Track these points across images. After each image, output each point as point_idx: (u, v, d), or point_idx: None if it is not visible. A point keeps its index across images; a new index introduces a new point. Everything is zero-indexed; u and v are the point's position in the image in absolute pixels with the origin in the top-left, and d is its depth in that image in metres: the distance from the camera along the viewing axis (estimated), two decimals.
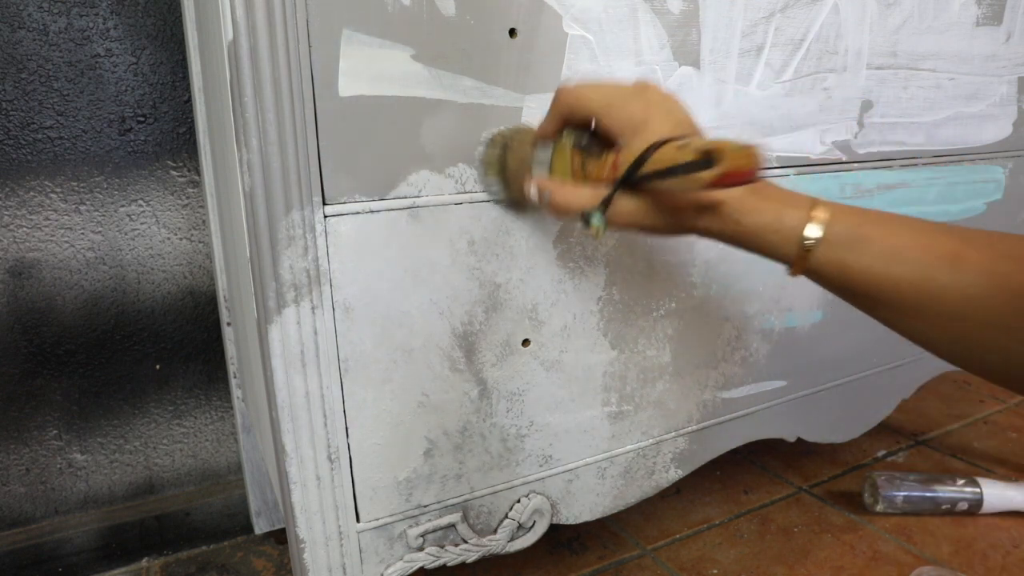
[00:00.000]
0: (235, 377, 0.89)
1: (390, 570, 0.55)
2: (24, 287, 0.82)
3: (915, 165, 0.77)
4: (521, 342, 0.57)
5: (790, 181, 0.68)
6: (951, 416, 1.20)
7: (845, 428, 0.83)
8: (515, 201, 0.52)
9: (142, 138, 0.84)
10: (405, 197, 0.49)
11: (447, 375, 0.54)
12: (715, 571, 0.82)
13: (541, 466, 0.61)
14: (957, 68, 0.77)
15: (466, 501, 0.58)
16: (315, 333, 0.48)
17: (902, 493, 0.89)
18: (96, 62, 0.80)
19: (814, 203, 0.42)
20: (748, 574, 0.81)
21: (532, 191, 0.47)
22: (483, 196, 0.52)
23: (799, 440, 0.79)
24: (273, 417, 0.49)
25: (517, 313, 0.56)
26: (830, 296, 0.75)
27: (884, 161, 0.74)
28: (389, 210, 0.49)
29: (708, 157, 0.39)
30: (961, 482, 0.90)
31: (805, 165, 0.68)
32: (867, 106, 0.71)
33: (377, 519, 0.54)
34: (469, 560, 0.59)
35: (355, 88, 0.46)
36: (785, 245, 0.42)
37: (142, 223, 0.86)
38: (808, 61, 0.65)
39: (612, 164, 0.44)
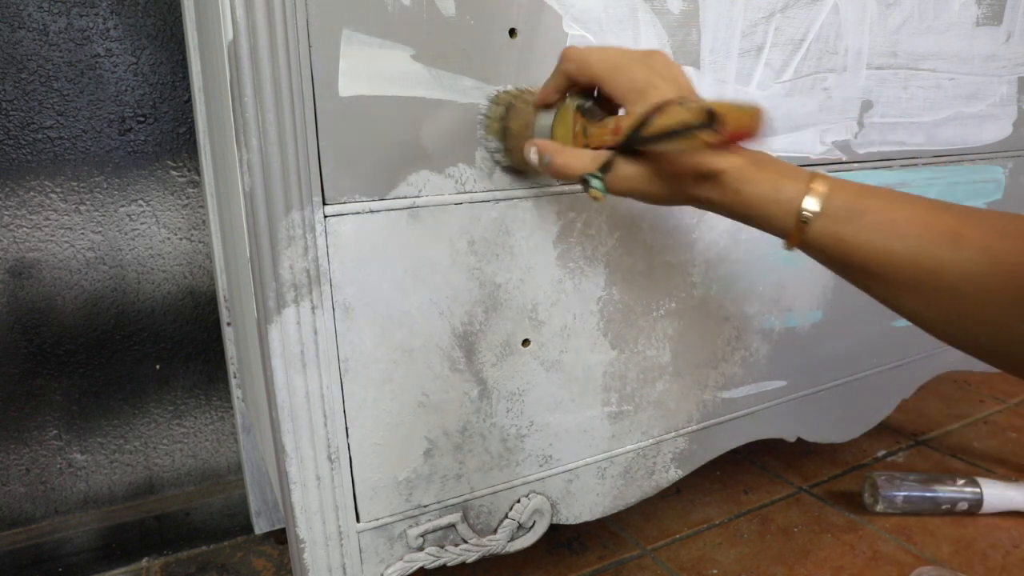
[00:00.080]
0: (235, 377, 0.89)
1: (390, 570, 0.55)
2: (24, 287, 0.82)
3: (915, 165, 0.77)
4: (521, 342, 0.57)
5: None
6: (951, 416, 1.20)
7: (845, 428, 0.83)
8: (515, 163, 0.52)
9: (142, 138, 0.84)
10: (405, 197, 0.49)
11: (447, 375, 0.54)
12: (715, 571, 0.82)
13: (541, 466, 0.61)
14: (957, 68, 0.77)
15: (466, 501, 0.58)
16: (315, 333, 0.48)
17: (902, 493, 0.90)
18: (96, 62, 0.80)
19: (813, 176, 0.42)
20: (748, 574, 0.81)
21: (532, 154, 0.47)
22: (483, 196, 0.52)
23: (799, 440, 0.79)
24: (273, 417, 0.49)
25: (517, 313, 0.56)
26: (830, 296, 0.75)
27: (884, 161, 0.74)
28: (389, 210, 0.49)
29: (710, 117, 0.38)
30: (961, 482, 0.90)
31: (805, 165, 0.68)
32: (867, 106, 0.71)
33: (377, 519, 0.54)
34: (469, 560, 0.59)
35: (355, 88, 0.46)
36: (782, 217, 0.42)
37: (142, 223, 0.86)
38: (808, 61, 0.65)
39: (614, 128, 0.44)
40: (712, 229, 0.64)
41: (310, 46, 0.44)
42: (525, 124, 0.49)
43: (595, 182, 0.44)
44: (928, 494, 0.89)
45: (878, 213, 0.40)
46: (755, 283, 0.69)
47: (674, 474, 0.69)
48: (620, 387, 0.63)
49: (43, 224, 0.81)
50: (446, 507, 0.57)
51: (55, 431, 0.86)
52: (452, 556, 0.58)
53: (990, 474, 0.99)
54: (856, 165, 0.72)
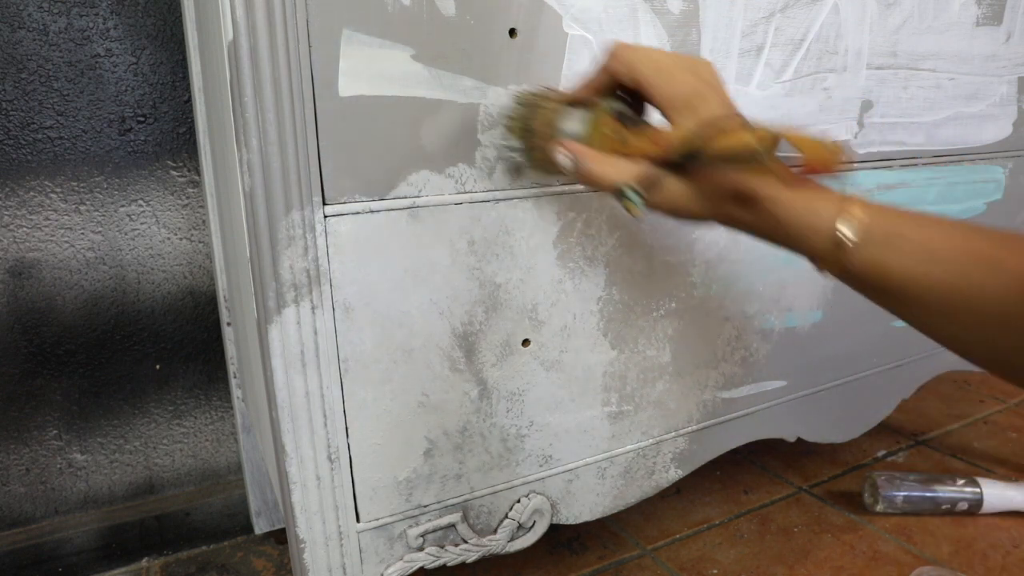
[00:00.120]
0: (235, 377, 0.89)
1: (390, 570, 0.55)
2: (24, 287, 0.82)
3: (915, 165, 0.77)
4: (521, 342, 0.57)
5: None
6: (951, 416, 1.20)
7: (845, 428, 0.83)
8: (535, 163, 0.49)
9: (142, 138, 0.84)
10: (405, 197, 0.49)
11: (447, 375, 0.54)
12: (715, 571, 0.82)
13: (541, 466, 0.61)
14: (957, 68, 0.77)
15: (466, 501, 0.58)
16: (315, 333, 0.48)
17: (902, 493, 0.90)
18: (96, 62, 0.80)
19: (847, 198, 0.41)
20: (748, 574, 0.81)
21: (561, 156, 0.44)
22: (483, 196, 0.52)
23: (799, 440, 0.79)
24: (273, 417, 0.49)
25: (517, 313, 0.56)
26: (830, 296, 0.75)
27: (884, 161, 0.74)
28: (389, 210, 0.49)
29: (775, 144, 0.38)
30: (961, 482, 0.90)
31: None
32: (867, 106, 0.71)
33: (377, 519, 0.54)
34: (469, 560, 0.59)
35: (355, 88, 0.46)
36: (816, 240, 0.41)
37: (142, 223, 0.86)
38: (808, 61, 0.65)
39: (657, 140, 0.42)
40: (712, 229, 0.64)
41: (310, 46, 0.44)
42: (550, 123, 0.46)
43: (635, 197, 0.42)
44: (928, 494, 0.89)
45: (914, 237, 0.39)
46: (755, 283, 0.69)
47: (674, 474, 0.69)
48: (620, 387, 0.63)
49: (43, 224, 0.81)
50: (446, 507, 0.57)
51: (55, 431, 0.86)
52: (452, 556, 0.58)
53: (990, 474, 0.99)
54: (856, 165, 0.72)
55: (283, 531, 0.94)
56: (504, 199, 0.53)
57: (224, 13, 0.42)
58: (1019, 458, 1.05)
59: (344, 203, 0.47)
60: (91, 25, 0.79)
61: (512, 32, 0.50)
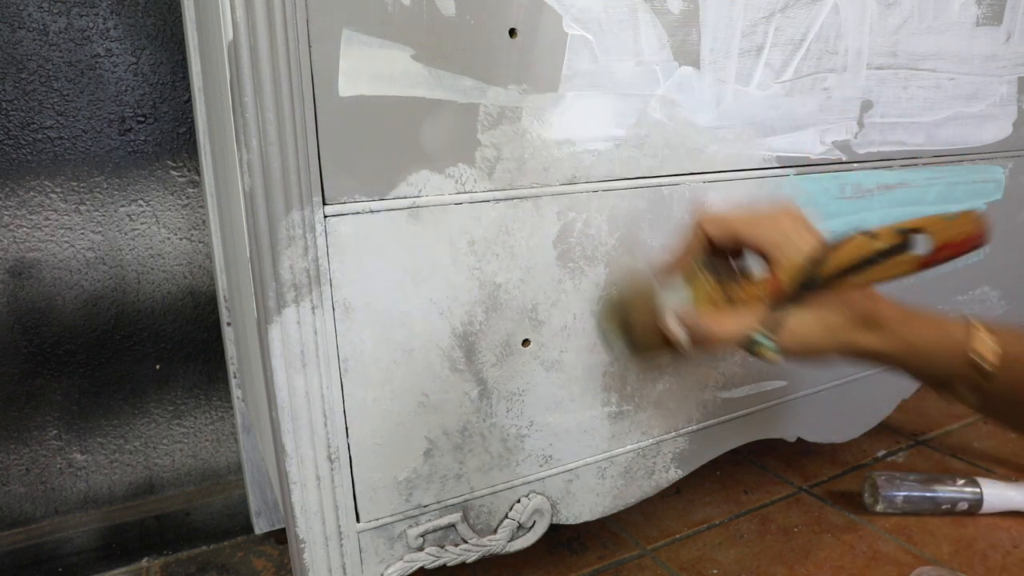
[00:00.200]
0: (235, 377, 0.89)
1: (390, 570, 0.55)
2: (24, 287, 0.82)
3: (915, 165, 0.77)
4: (521, 342, 0.57)
5: (790, 181, 0.68)
6: (951, 416, 1.20)
7: (845, 428, 0.83)
8: (643, 350, 0.47)
9: (142, 138, 0.84)
10: (405, 197, 0.49)
11: (447, 375, 0.54)
12: (715, 571, 0.82)
13: (541, 466, 0.61)
14: (957, 68, 0.77)
15: (466, 501, 0.58)
16: (315, 333, 0.48)
17: (902, 493, 0.89)
18: (96, 62, 0.80)
19: (969, 319, 0.42)
20: (748, 574, 0.81)
21: (677, 327, 0.43)
22: (483, 196, 0.52)
23: (799, 440, 0.79)
24: (273, 417, 0.49)
25: (517, 313, 0.56)
26: None
27: (884, 161, 0.74)
28: (389, 210, 0.49)
29: (910, 236, 0.38)
30: (961, 482, 0.90)
31: (805, 165, 0.68)
32: (867, 106, 0.71)
33: (377, 519, 0.54)
34: (469, 560, 0.59)
35: (355, 88, 0.46)
36: (953, 363, 0.41)
37: (142, 223, 0.86)
38: (808, 61, 0.65)
39: (764, 281, 0.41)
40: None
41: (310, 46, 0.44)
42: (648, 303, 0.44)
43: (766, 340, 0.41)
44: (928, 494, 0.89)
45: None
46: None
47: (674, 474, 0.69)
48: (620, 387, 0.63)
49: (43, 224, 0.81)
50: (446, 507, 0.57)
51: (55, 431, 0.86)
52: (452, 556, 0.58)
53: (990, 474, 0.99)
54: (856, 165, 0.72)
55: (283, 531, 0.94)
56: (504, 199, 0.53)
57: (224, 13, 0.42)
58: (1019, 458, 1.05)
59: (344, 203, 0.47)
60: (91, 25, 0.79)
61: (512, 32, 0.50)
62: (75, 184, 0.82)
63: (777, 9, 0.62)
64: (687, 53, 0.58)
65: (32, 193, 0.80)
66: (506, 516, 0.60)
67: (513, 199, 0.53)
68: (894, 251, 0.38)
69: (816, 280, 0.40)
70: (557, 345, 0.58)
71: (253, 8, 0.41)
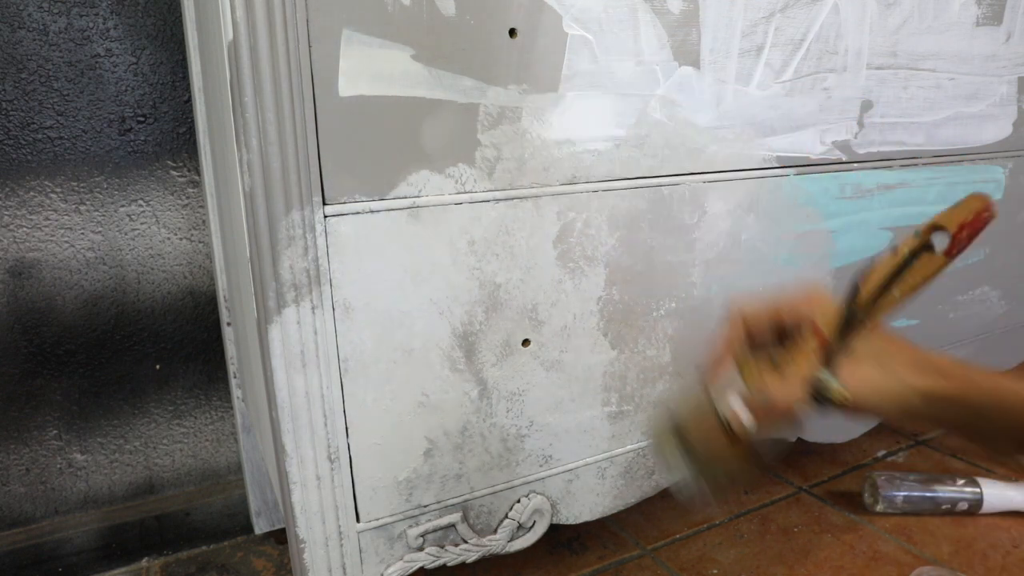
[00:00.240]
0: (235, 377, 0.89)
1: (390, 570, 0.55)
2: (24, 287, 0.82)
3: (915, 165, 0.77)
4: (521, 342, 0.57)
5: (790, 181, 0.68)
6: None
7: (845, 428, 0.83)
8: (709, 464, 0.44)
9: (142, 138, 0.84)
10: (405, 197, 0.49)
11: (447, 375, 0.54)
12: (715, 571, 0.82)
13: (541, 466, 0.61)
14: (957, 68, 0.77)
15: (466, 501, 0.58)
16: (315, 333, 0.48)
17: (902, 493, 0.89)
18: (96, 62, 0.80)
19: None
20: (748, 574, 0.81)
21: (740, 410, 0.41)
22: (483, 196, 0.52)
23: (799, 440, 0.79)
24: (273, 417, 0.49)
25: (517, 313, 0.56)
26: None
27: (884, 161, 0.74)
28: (389, 210, 0.49)
29: (931, 232, 0.38)
30: (961, 482, 0.90)
31: (805, 165, 0.68)
32: (867, 106, 0.71)
33: (377, 519, 0.54)
34: (469, 560, 0.59)
35: (355, 88, 0.46)
36: None
37: (142, 223, 0.86)
38: (808, 61, 0.65)
39: (808, 339, 0.41)
40: (712, 229, 0.64)
41: (310, 46, 0.44)
42: (702, 412, 0.43)
43: (830, 379, 0.40)
44: (928, 494, 0.89)
45: None
46: (755, 283, 0.69)
47: None
48: (620, 387, 0.63)
49: (43, 224, 0.81)
50: (446, 507, 0.57)
51: (55, 431, 0.86)
52: (452, 556, 0.58)
53: (990, 474, 0.99)
54: (856, 165, 0.72)
55: (283, 531, 0.94)
56: (504, 199, 0.53)
57: (224, 13, 0.42)
58: None
59: (344, 203, 0.47)
60: (91, 25, 0.79)
61: (512, 32, 0.50)
62: (75, 184, 0.82)
63: (777, 9, 0.62)
64: (687, 53, 0.58)
65: (32, 193, 0.80)
66: (506, 516, 0.60)
67: (513, 199, 0.53)
68: (918, 253, 0.38)
69: (856, 314, 0.40)
70: (557, 345, 0.58)
71: (253, 8, 0.41)
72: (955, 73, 0.77)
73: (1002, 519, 0.89)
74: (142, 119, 0.84)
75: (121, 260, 0.85)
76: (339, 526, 0.52)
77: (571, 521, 0.64)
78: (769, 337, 0.44)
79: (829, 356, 0.40)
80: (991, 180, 0.85)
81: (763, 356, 0.43)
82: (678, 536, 0.89)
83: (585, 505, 0.64)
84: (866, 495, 0.92)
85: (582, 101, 0.55)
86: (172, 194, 0.87)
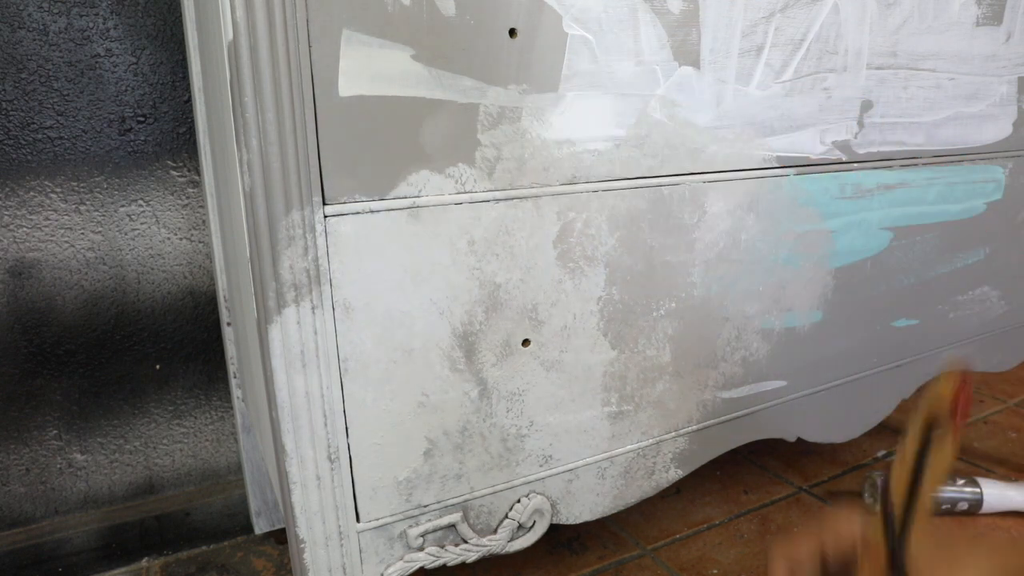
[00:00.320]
0: (235, 377, 0.89)
1: (390, 570, 0.55)
2: (24, 287, 0.82)
3: (915, 165, 0.77)
4: (521, 342, 0.57)
5: (790, 181, 0.68)
6: None
7: (845, 428, 0.83)
8: None
9: (142, 138, 0.84)
10: (405, 197, 0.49)
11: (447, 375, 0.54)
12: (715, 571, 0.82)
13: (541, 466, 0.61)
14: (957, 68, 0.77)
15: (466, 501, 0.58)
16: (315, 333, 0.48)
17: None
18: (96, 62, 0.80)
19: None
20: (748, 574, 0.81)
21: None
22: (483, 196, 0.52)
23: (799, 440, 0.79)
24: (273, 417, 0.49)
25: (517, 313, 0.56)
26: (830, 296, 0.75)
27: (884, 161, 0.74)
28: (389, 210, 0.49)
29: (929, 422, 0.38)
30: (961, 482, 0.90)
31: (805, 165, 0.68)
32: (867, 106, 0.71)
33: (377, 519, 0.54)
34: (469, 560, 0.59)
35: (355, 88, 0.46)
36: None
37: (142, 223, 0.86)
38: (808, 61, 0.65)
39: (868, 563, 0.40)
40: (712, 229, 0.64)
41: (310, 46, 0.44)
42: None
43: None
44: None
45: None
46: (755, 283, 0.69)
47: (674, 474, 0.69)
48: (620, 387, 0.63)
49: (43, 224, 0.81)
50: (446, 507, 0.57)
51: (55, 431, 0.86)
52: (452, 556, 0.58)
53: (990, 474, 0.99)
54: (856, 165, 0.72)
55: (283, 531, 0.94)
56: (504, 199, 0.53)
57: (224, 13, 0.42)
58: (1019, 458, 1.05)
59: (344, 203, 0.47)
60: (91, 25, 0.79)
61: (512, 32, 0.50)
62: (75, 184, 0.82)
63: (777, 9, 0.62)
64: (687, 53, 0.58)
65: (32, 193, 0.80)
66: (506, 516, 0.60)
67: (513, 199, 0.53)
68: (925, 450, 0.39)
69: (898, 526, 0.40)
70: (557, 345, 0.58)
71: (253, 8, 0.41)
72: (955, 73, 0.77)
73: (1002, 519, 0.89)
74: (142, 119, 0.84)
75: (121, 260, 0.85)
76: (339, 526, 0.52)
77: (571, 521, 0.64)
78: None
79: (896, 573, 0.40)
80: (991, 180, 0.85)
81: None
82: (678, 536, 0.89)
83: (585, 505, 0.64)
84: (866, 495, 0.92)
85: (582, 101, 0.55)
86: (172, 194, 0.87)
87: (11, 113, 0.78)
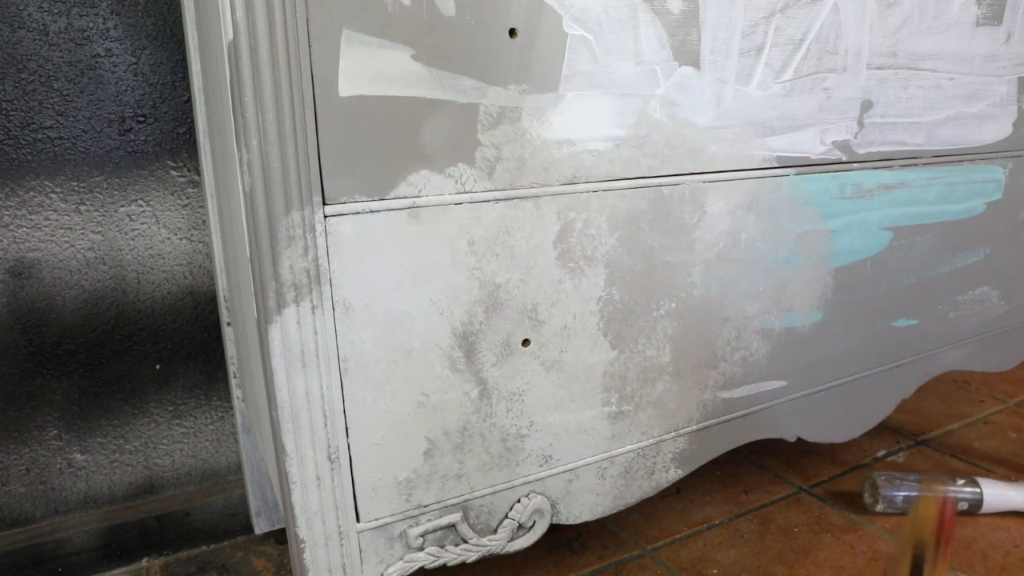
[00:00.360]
0: (235, 377, 0.89)
1: (390, 570, 0.55)
2: (24, 287, 0.82)
3: (915, 165, 0.77)
4: (521, 342, 0.57)
5: (790, 181, 0.68)
6: (951, 416, 1.20)
7: (845, 428, 0.83)
8: None
9: (142, 138, 0.84)
10: (405, 197, 0.49)
11: (447, 375, 0.54)
12: (715, 571, 0.82)
13: (541, 466, 0.61)
14: (957, 68, 0.77)
15: (466, 501, 0.58)
16: (315, 333, 0.48)
17: (902, 493, 0.90)
18: (96, 62, 0.80)
19: None
20: (748, 574, 0.81)
21: None
22: (483, 196, 0.52)
23: (799, 440, 0.79)
24: (273, 417, 0.49)
25: (517, 313, 0.56)
26: (830, 296, 0.75)
27: (884, 161, 0.74)
28: (389, 210, 0.49)
29: (916, 551, 0.38)
30: (961, 482, 0.90)
31: (805, 165, 0.69)
32: (867, 106, 0.71)
33: (377, 519, 0.54)
34: (469, 560, 0.59)
35: (355, 88, 0.46)
36: None
37: (142, 223, 0.86)
38: (808, 61, 0.65)
39: None
40: (712, 229, 0.64)
41: (310, 46, 0.44)
42: None
43: None
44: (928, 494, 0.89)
45: None
46: (755, 283, 0.69)
47: (674, 474, 0.69)
48: (620, 387, 0.63)
49: (43, 224, 0.81)
50: (446, 507, 0.57)
51: (55, 431, 0.86)
52: (452, 556, 0.58)
53: (990, 474, 0.99)
54: (856, 165, 0.72)
55: (283, 531, 0.94)
56: (504, 199, 0.53)
57: (224, 13, 0.42)
58: (1019, 458, 1.05)
59: (344, 203, 0.47)
60: (91, 25, 0.79)
61: (512, 32, 0.50)
62: (75, 184, 0.82)
63: (777, 9, 0.62)
64: (687, 53, 0.58)
65: (32, 193, 0.80)
66: (506, 516, 0.60)
67: (513, 199, 0.53)
68: (918, 571, 0.39)
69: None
70: (557, 345, 0.58)
71: (253, 8, 0.41)
72: (955, 73, 0.77)
73: (1002, 519, 0.89)
74: (142, 119, 0.84)
75: (121, 260, 0.85)
76: (339, 526, 0.52)
77: (571, 521, 0.64)
78: None
79: None
80: (991, 180, 0.85)
81: None
82: (678, 536, 0.89)
83: (585, 505, 0.64)
84: (866, 495, 0.92)
85: (582, 101, 0.55)
86: (172, 194, 0.87)
87: (11, 113, 0.78)
